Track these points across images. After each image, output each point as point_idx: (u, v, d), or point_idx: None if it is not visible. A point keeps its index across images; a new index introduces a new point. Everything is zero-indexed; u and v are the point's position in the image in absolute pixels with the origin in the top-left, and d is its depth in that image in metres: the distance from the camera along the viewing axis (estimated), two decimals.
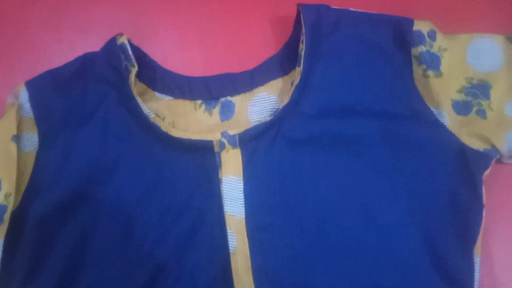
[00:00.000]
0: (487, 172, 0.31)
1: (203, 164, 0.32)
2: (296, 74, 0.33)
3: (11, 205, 0.31)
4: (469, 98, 0.32)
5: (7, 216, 0.30)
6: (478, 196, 0.30)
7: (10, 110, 0.33)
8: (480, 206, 0.30)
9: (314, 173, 0.31)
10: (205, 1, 0.38)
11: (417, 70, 0.33)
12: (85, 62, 0.34)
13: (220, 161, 0.31)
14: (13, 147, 0.31)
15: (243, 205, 0.31)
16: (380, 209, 0.30)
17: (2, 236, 0.30)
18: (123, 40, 0.34)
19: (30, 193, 0.32)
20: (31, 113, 0.33)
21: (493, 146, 0.31)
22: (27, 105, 0.33)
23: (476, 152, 0.31)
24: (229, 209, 0.31)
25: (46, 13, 0.38)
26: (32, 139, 0.33)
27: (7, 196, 0.31)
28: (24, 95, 0.33)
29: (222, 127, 0.34)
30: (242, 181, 0.31)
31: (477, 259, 0.30)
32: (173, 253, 0.31)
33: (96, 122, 0.33)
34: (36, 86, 0.34)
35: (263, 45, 0.37)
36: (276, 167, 0.32)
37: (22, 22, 0.38)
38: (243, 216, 0.31)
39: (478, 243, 0.30)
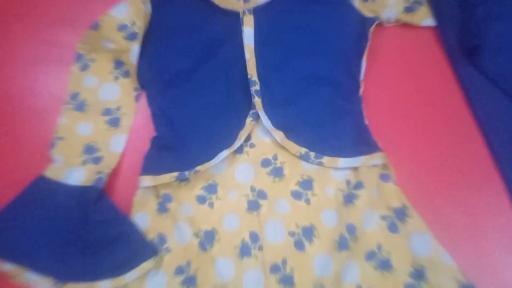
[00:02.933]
0: (372, 27, 0.59)
1: (234, 22, 0.60)
2: None
3: (141, 34, 0.60)
4: None
5: (139, 36, 0.59)
6: (367, 35, 0.59)
7: None
8: (367, 39, 0.59)
9: (289, 27, 0.59)
10: None
11: None
12: None
13: (242, 21, 0.60)
14: (143, 6, 0.61)
15: (253, 39, 0.59)
16: (323, 42, 0.58)
17: (139, 44, 0.59)
18: None
19: (147, 32, 0.61)
20: None
21: (378, 15, 0.60)
22: None
23: (368, 18, 0.59)
24: (246, 41, 0.58)
25: None
26: (147, 6, 0.62)
27: (140, 28, 0.60)
28: None
29: (244, 5, 0.63)
30: (253, 30, 0.59)
31: (363, 63, 0.58)
32: (219, 64, 0.59)
33: (180, 1, 0.62)
34: None
35: None
36: (271, 24, 0.60)
37: None
38: (253, 44, 0.59)
39: (365, 54, 0.58)
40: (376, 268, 0.50)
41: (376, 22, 0.60)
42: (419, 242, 0.50)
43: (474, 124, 0.56)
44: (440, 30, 0.60)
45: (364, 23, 0.59)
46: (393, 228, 0.52)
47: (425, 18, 0.60)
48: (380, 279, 0.50)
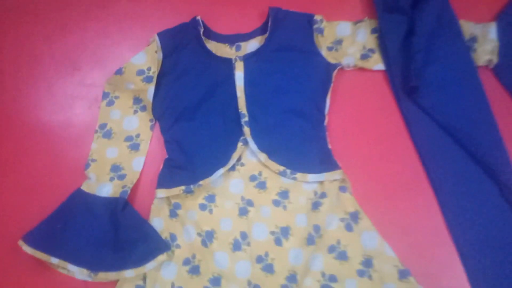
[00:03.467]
0: (335, 71, 0.75)
1: (228, 67, 0.75)
2: (267, 35, 0.77)
3: (155, 77, 0.75)
4: (333, 45, 0.77)
5: (154, 79, 0.75)
6: (331, 78, 0.74)
7: (153, 42, 0.78)
8: (331, 81, 0.74)
9: (271, 71, 0.74)
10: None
11: (315, 34, 0.76)
12: (184, 25, 0.79)
13: (234, 66, 0.75)
14: (156, 55, 0.76)
15: (243, 81, 0.74)
16: (296, 83, 0.73)
17: (153, 85, 0.74)
18: (199, 17, 0.78)
19: (159, 75, 0.76)
20: (160, 44, 0.78)
21: (340, 62, 0.75)
22: (158, 41, 0.78)
23: (333, 64, 0.75)
24: (237, 83, 0.73)
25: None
26: (160, 54, 0.77)
27: (154, 73, 0.76)
28: (156, 37, 0.78)
29: (236, 53, 0.79)
30: (243, 73, 0.74)
31: (328, 100, 0.73)
32: (216, 101, 0.74)
33: (186, 50, 0.77)
34: (161, 34, 0.78)
35: (255, 23, 0.80)
36: (257, 69, 0.74)
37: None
38: (243, 85, 0.74)
39: (329, 92, 0.73)
40: (336, 258, 0.66)
41: (338, 67, 0.76)
42: (368, 238, 0.66)
43: (412, 147, 0.72)
44: (388, 73, 0.76)
45: (329, 68, 0.75)
46: (349, 227, 0.67)
47: (376, 63, 0.76)
48: (339, 267, 0.65)
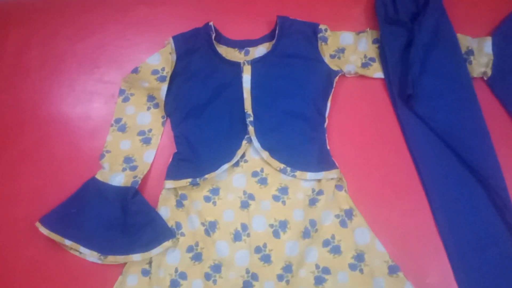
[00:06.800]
0: (337, 77, 0.78)
1: (236, 70, 0.78)
2: (274, 42, 0.80)
3: (168, 76, 0.79)
4: (336, 53, 0.80)
5: (167, 79, 0.78)
6: (332, 83, 0.77)
7: (168, 45, 0.82)
8: (333, 86, 0.77)
9: (276, 76, 0.77)
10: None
11: (319, 42, 0.80)
12: (197, 30, 0.82)
13: (242, 69, 0.78)
14: (170, 56, 0.80)
15: (249, 83, 0.77)
16: (299, 87, 0.76)
17: (166, 84, 0.78)
18: (211, 23, 0.82)
19: (172, 75, 0.80)
20: (174, 47, 0.82)
21: (341, 69, 0.78)
22: (172, 44, 0.82)
23: (334, 71, 0.78)
24: (244, 85, 0.77)
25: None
26: (174, 56, 0.81)
27: (167, 73, 0.80)
28: (171, 40, 0.82)
29: (245, 58, 0.82)
30: (250, 76, 0.78)
31: (328, 104, 0.76)
32: (224, 101, 0.77)
33: (199, 53, 0.81)
34: (176, 37, 0.82)
35: (263, 30, 0.83)
36: (263, 73, 0.78)
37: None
38: (249, 87, 0.77)
39: (330, 97, 0.76)
40: (330, 252, 0.69)
41: (340, 74, 0.79)
42: (361, 234, 0.69)
43: (406, 151, 0.75)
44: (386, 81, 0.79)
45: (331, 74, 0.78)
46: (343, 223, 0.70)
47: (376, 72, 0.79)
48: (332, 260, 0.68)
